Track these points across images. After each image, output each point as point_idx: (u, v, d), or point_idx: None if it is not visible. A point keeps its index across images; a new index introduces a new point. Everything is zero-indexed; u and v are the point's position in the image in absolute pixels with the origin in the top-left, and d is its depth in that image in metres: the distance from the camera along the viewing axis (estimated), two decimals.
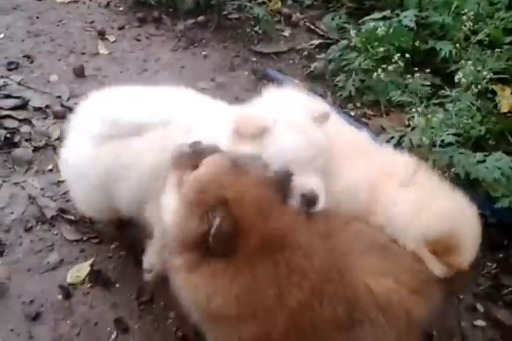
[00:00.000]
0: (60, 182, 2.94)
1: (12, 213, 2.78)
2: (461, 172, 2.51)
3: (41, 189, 2.91)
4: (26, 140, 3.19)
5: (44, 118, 3.36)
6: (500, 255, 2.71)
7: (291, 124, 1.87)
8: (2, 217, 2.76)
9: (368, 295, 1.78)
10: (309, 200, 1.82)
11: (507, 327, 2.43)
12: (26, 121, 3.33)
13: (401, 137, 2.68)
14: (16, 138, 3.19)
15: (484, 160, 2.52)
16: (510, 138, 2.83)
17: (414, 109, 2.55)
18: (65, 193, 2.88)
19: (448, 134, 2.68)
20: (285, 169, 1.77)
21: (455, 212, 1.99)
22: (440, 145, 2.63)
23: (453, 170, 2.60)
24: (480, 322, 2.45)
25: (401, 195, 2.03)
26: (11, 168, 3.02)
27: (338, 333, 1.78)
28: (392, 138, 2.70)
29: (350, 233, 1.92)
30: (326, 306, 1.73)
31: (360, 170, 2.10)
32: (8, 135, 3.19)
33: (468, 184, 2.71)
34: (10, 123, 3.28)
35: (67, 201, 2.84)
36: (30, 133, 3.24)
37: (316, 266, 1.72)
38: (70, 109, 3.39)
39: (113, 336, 2.31)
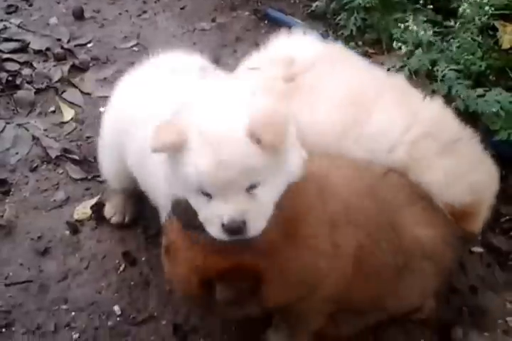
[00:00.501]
0: (62, 124, 2.98)
1: (17, 154, 2.81)
2: (461, 105, 2.52)
3: (44, 130, 2.93)
4: (28, 82, 3.19)
5: (44, 61, 3.35)
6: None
7: (212, 140, 1.54)
8: (7, 157, 2.80)
9: (417, 246, 1.82)
10: (230, 230, 1.55)
11: (503, 253, 2.50)
12: (27, 63, 3.32)
13: (401, 67, 2.70)
14: (18, 81, 3.19)
15: (484, 95, 2.54)
16: (510, 74, 2.81)
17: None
18: (68, 134, 2.92)
19: (449, 69, 2.68)
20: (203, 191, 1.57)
21: (486, 185, 2.01)
22: (441, 81, 2.64)
23: (453, 104, 2.62)
24: (477, 249, 2.51)
25: (439, 161, 1.96)
26: (13, 110, 3.03)
27: (396, 280, 1.84)
28: (393, 67, 2.72)
29: (391, 185, 1.90)
30: (387, 253, 1.77)
31: (399, 121, 2.02)
32: (10, 78, 3.19)
33: (467, 118, 2.74)
34: (11, 66, 3.27)
35: (71, 141, 2.87)
36: (31, 75, 3.24)
37: (365, 215, 1.76)
38: (70, 51, 3.41)
39: (121, 268, 2.38)
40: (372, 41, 3.39)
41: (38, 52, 3.41)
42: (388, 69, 2.98)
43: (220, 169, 1.50)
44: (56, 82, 3.21)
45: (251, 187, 1.56)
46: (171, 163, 1.61)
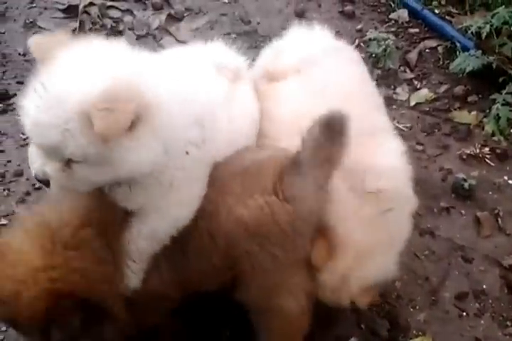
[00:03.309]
0: None
1: None
2: None
3: None
4: (129, 29, 3.27)
5: (144, 10, 3.40)
6: None
7: (48, 100, 1.31)
8: None
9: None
10: (38, 180, 1.42)
11: None
12: (128, 11, 3.38)
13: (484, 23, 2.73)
14: (121, 27, 3.28)
15: None
16: None
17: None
18: None
19: None
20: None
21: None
22: None
23: None
24: None
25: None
26: None
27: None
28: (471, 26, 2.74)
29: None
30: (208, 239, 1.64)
31: None
32: (114, 24, 3.28)
33: None
34: (114, 13, 3.34)
35: None
36: (132, 22, 3.31)
37: None
38: (167, 1, 3.45)
39: None
40: (455, 0, 3.30)
41: (137, 1, 3.44)
42: (468, 28, 2.94)
43: (40, 133, 1.32)
44: (155, 29, 3.27)
45: (69, 160, 1.35)
46: None
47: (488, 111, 2.79)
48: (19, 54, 3.13)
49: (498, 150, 2.70)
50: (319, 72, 1.90)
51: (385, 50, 3.01)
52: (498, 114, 2.68)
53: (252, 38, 3.23)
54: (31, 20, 3.29)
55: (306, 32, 2.09)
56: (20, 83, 2.98)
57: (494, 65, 2.81)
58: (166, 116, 1.39)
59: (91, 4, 3.31)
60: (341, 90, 1.84)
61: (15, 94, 2.91)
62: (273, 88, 1.93)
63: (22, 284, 1.44)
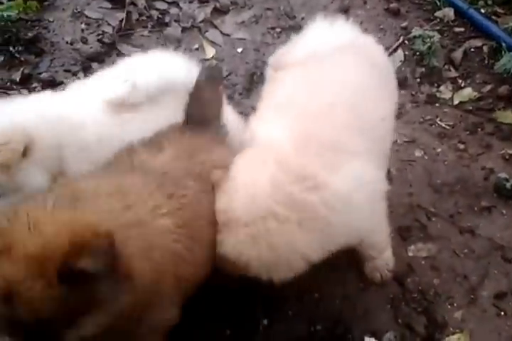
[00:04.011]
0: (205, 60, 3.08)
1: None
2: None
3: None
4: (175, 21, 3.31)
5: (190, 2, 3.43)
6: None
7: None
8: None
9: None
10: None
11: None
12: (174, 3, 3.42)
13: None
14: (167, 19, 3.32)
15: None
16: None
17: None
18: None
19: None
20: None
21: None
22: None
23: None
24: None
25: None
26: (163, 45, 3.16)
27: None
28: None
29: None
30: None
31: None
32: (160, 16, 3.33)
33: None
34: (160, 5, 3.40)
35: None
36: (178, 15, 3.35)
37: None
38: None
39: None
40: (502, 1, 3.27)
41: None
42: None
43: None
44: (200, 22, 3.31)
45: None
46: None
47: None
48: (66, 42, 3.21)
49: None
50: (319, 67, 1.98)
51: (429, 47, 3.01)
52: None
53: (296, 33, 3.23)
54: (79, 10, 3.37)
55: (326, 27, 2.13)
56: (67, 71, 3.06)
57: None
58: (44, 146, 1.80)
59: None
60: (333, 90, 1.91)
61: (62, 82, 2.98)
62: (276, 76, 2.06)
63: None
